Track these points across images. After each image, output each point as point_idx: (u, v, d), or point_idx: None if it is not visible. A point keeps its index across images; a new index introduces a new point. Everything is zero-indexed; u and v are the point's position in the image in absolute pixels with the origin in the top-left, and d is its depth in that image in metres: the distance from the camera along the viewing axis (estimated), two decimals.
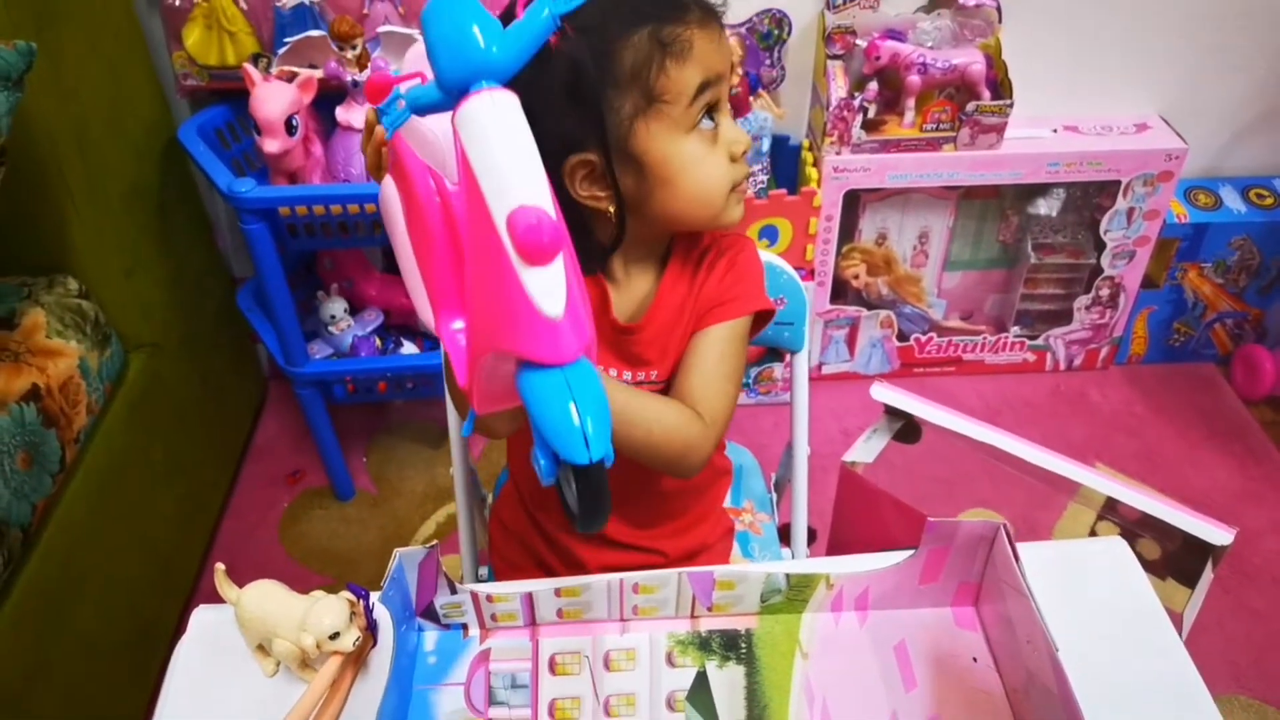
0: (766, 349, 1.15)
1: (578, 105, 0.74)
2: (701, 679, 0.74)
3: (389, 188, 0.62)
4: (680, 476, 0.86)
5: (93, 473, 1.28)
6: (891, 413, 1.08)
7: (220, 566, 0.74)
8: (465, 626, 0.78)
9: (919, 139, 1.64)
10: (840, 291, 1.86)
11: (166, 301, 1.49)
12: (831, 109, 1.60)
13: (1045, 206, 1.80)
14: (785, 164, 1.73)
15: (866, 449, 1.06)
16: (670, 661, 0.76)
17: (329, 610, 0.70)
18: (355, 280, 1.67)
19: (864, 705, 0.72)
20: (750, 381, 1.88)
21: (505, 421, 0.77)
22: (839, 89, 1.61)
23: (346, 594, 0.72)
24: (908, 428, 1.09)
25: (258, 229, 1.35)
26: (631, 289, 0.90)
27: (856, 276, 1.84)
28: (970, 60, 1.59)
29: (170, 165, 1.52)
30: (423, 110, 0.56)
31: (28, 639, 1.13)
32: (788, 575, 0.76)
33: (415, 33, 1.40)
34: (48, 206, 1.27)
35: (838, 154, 1.65)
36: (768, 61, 1.63)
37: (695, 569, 0.76)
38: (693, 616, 0.78)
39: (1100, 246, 1.80)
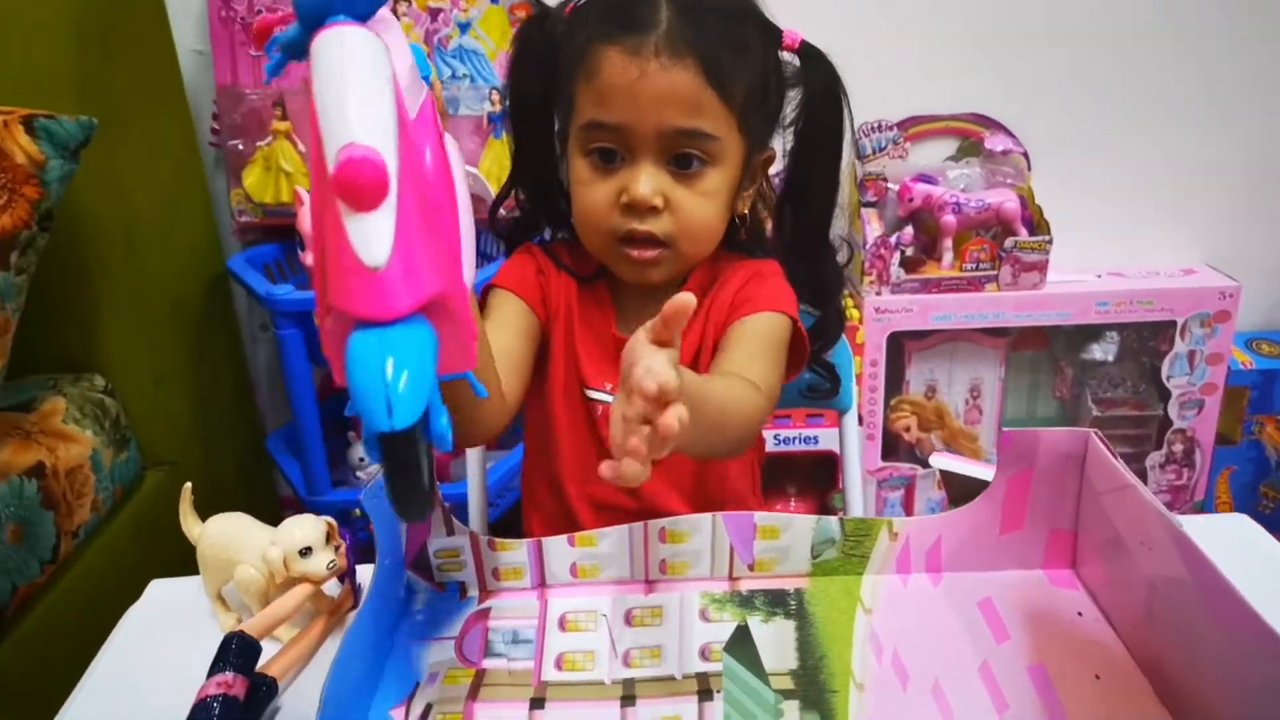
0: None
1: (554, 75, 0.78)
2: (743, 632, 0.61)
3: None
4: (738, 454, 0.77)
5: (87, 578, 1.18)
6: (951, 486, 0.98)
7: (187, 486, 0.65)
8: (463, 587, 0.66)
9: (960, 278, 1.62)
10: (892, 448, 1.77)
11: (192, 422, 1.45)
12: (868, 247, 1.60)
13: (1100, 352, 1.73)
14: None
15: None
16: (705, 617, 0.63)
17: (301, 523, 0.61)
18: None
19: (946, 656, 0.58)
20: None
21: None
22: (874, 231, 1.62)
23: (326, 517, 0.63)
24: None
25: (291, 335, 1.34)
26: (643, 303, 0.84)
27: (908, 429, 1.76)
28: (1004, 199, 1.61)
29: (215, 298, 1.54)
30: (292, 50, 0.51)
31: None
32: (842, 521, 0.65)
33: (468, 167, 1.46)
34: (85, 302, 1.28)
35: (878, 294, 1.63)
36: None
37: (732, 513, 0.65)
38: (732, 578, 0.66)
39: (1165, 396, 1.71)
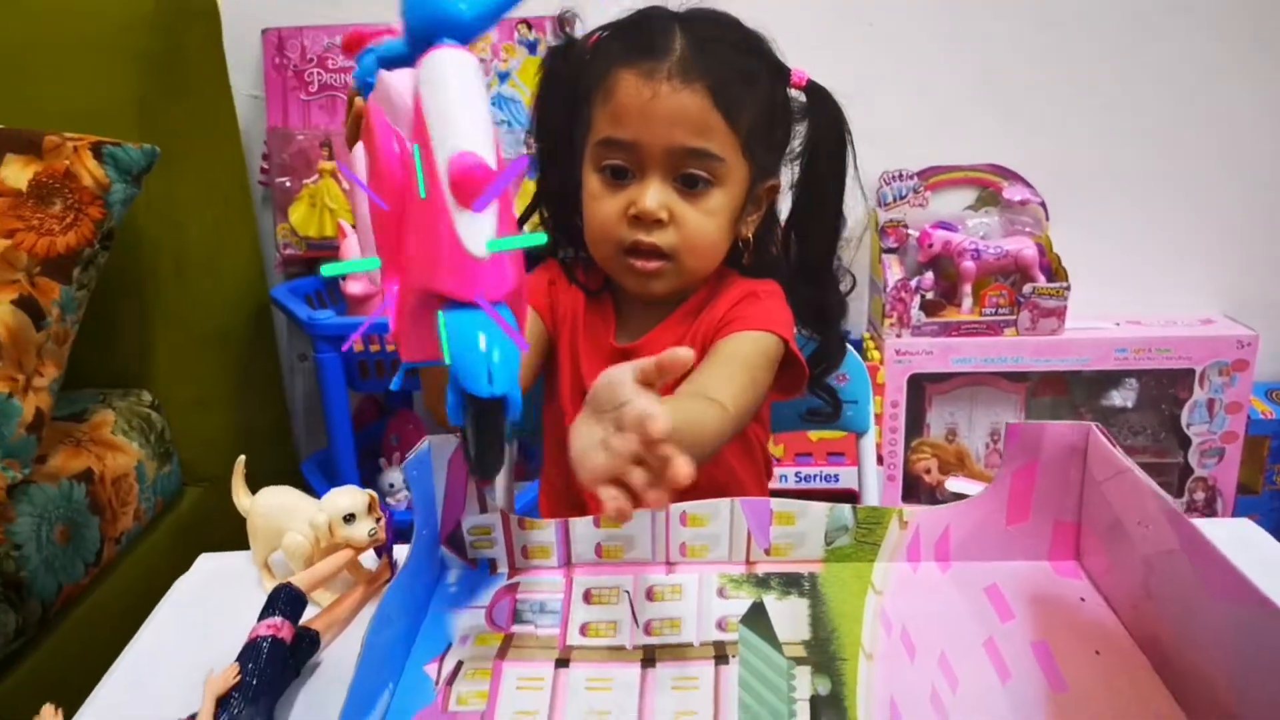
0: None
1: (575, 101, 0.83)
2: (758, 607, 0.64)
3: (357, 155, 0.65)
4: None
5: (126, 583, 1.22)
6: None
7: (241, 459, 0.70)
8: (493, 563, 0.70)
9: (979, 322, 1.66)
10: (912, 489, 1.78)
11: (232, 442, 1.50)
12: (889, 290, 1.65)
13: (1120, 398, 1.76)
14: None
15: None
16: (722, 595, 0.66)
17: (346, 492, 0.66)
18: None
19: (952, 632, 0.61)
20: None
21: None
22: (895, 275, 1.67)
23: (369, 490, 0.67)
24: None
25: (330, 359, 1.40)
26: (643, 317, 0.89)
27: (928, 471, 1.78)
28: (1022, 246, 1.65)
29: (257, 326, 1.61)
30: (390, 63, 0.58)
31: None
32: (854, 509, 0.68)
33: None
34: (136, 322, 1.35)
35: (898, 336, 1.67)
36: None
37: (750, 499, 0.68)
38: (749, 561, 0.69)
39: (1185, 444, 1.73)
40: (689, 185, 0.80)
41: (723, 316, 0.84)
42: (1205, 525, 0.76)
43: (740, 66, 0.80)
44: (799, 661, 0.59)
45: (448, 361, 0.51)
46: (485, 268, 0.49)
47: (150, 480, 1.29)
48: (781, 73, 0.84)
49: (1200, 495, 1.75)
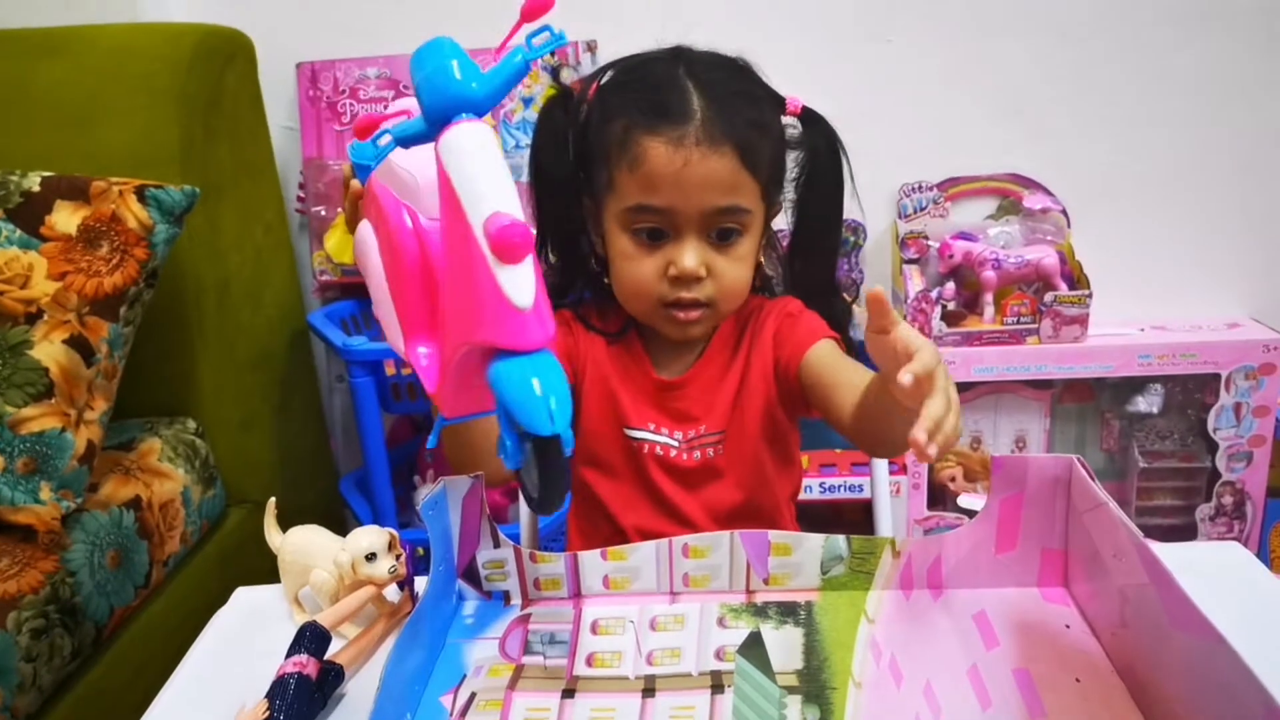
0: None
1: (583, 154, 0.86)
2: (755, 637, 0.68)
3: (364, 231, 0.69)
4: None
5: (174, 602, 1.29)
6: None
7: (271, 501, 0.75)
8: (506, 595, 0.74)
9: (1001, 331, 1.68)
10: (938, 498, 1.80)
11: (273, 465, 1.57)
12: (910, 302, 1.67)
13: (1145, 404, 1.76)
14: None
15: None
16: (722, 624, 0.69)
17: (368, 532, 0.70)
18: None
19: (938, 660, 0.64)
20: None
21: (469, 451, 0.80)
22: (916, 286, 1.68)
23: (390, 528, 0.71)
24: None
25: (364, 383, 1.45)
26: (675, 348, 0.92)
27: (953, 479, 1.79)
28: (1043, 255, 1.66)
29: (297, 350, 1.67)
30: (408, 142, 0.62)
31: None
32: (849, 539, 0.71)
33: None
34: (180, 352, 1.41)
35: None
36: (844, 267, 1.74)
37: (748, 531, 0.72)
38: (748, 591, 0.73)
39: (1213, 448, 1.72)
40: (723, 239, 0.84)
41: (773, 341, 0.89)
42: (1193, 549, 0.79)
43: (757, 119, 0.83)
44: (791, 690, 0.62)
45: (497, 411, 0.56)
46: (531, 318, 0.54)
47: (195, 504, 1.35)
48: (778, 103, 0.87)
49: (1229, 499, 1.75)
